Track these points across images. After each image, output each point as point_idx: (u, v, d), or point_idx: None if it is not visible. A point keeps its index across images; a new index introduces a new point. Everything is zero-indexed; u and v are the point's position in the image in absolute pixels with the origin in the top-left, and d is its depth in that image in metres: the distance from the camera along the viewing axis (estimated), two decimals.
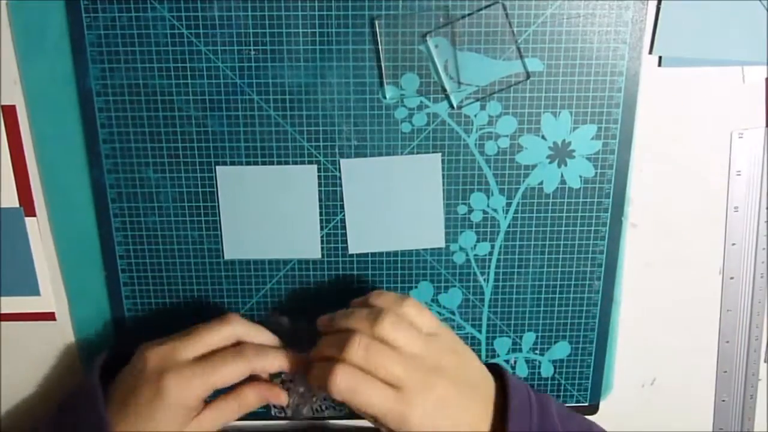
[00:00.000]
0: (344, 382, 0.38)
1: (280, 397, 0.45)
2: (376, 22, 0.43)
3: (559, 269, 0.49)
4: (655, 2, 0.43)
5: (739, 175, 0.47)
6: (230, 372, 0.41)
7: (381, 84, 0.45)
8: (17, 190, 0.47)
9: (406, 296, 0.42)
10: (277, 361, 0.43)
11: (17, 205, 0.47)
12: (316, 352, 0.42)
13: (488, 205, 0.47)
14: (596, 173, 0.47)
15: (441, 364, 0.40)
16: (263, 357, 0.42)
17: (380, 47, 0.43)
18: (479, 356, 0.51)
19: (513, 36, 0.43)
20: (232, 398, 0.43)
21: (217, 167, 0.46)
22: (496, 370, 0.44)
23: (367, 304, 0.43)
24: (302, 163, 0.46)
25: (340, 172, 0.46)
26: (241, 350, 0.42)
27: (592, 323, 0.51)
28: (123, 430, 0.40)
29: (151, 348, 0.42)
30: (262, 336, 0.44)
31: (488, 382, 0.43)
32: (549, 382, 0.52)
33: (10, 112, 0.45)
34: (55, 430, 0.43)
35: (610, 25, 0.43)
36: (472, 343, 0.51)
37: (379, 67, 0.44)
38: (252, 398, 0.44)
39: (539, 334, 0.51)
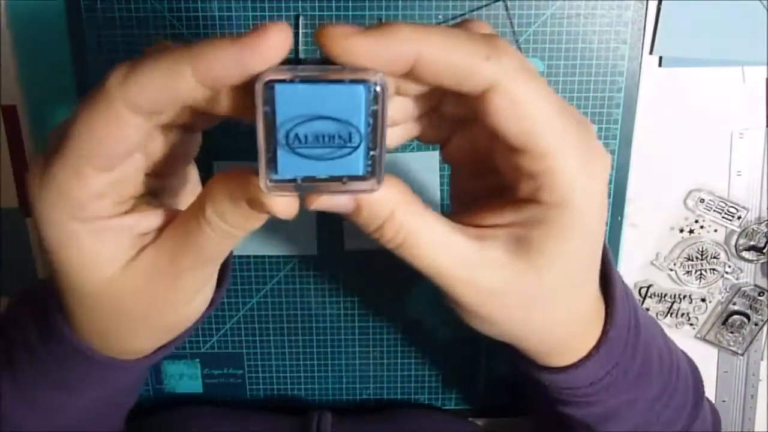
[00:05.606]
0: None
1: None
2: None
3: None
4: (655, 2, 0.43)
5: (739, 175, 0.47)
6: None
7: None
8: (17, 190, 0.47)
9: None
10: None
11: (17, 205, 0.47)
12: None
13: None
14: None
15: None
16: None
17: None
18: (479, 356, 0.51)
19: (513, 36, 0.43)
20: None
21: (215, 164, 0.46)
22: None
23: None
24: None
25: None
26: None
27: None
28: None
29: None
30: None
31: None
32: None
33: (10, 112, 0.45)
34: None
35: (611, 25, 0.43)
36: (471, 342, 0.51)
37: None
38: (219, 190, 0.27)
39: None
